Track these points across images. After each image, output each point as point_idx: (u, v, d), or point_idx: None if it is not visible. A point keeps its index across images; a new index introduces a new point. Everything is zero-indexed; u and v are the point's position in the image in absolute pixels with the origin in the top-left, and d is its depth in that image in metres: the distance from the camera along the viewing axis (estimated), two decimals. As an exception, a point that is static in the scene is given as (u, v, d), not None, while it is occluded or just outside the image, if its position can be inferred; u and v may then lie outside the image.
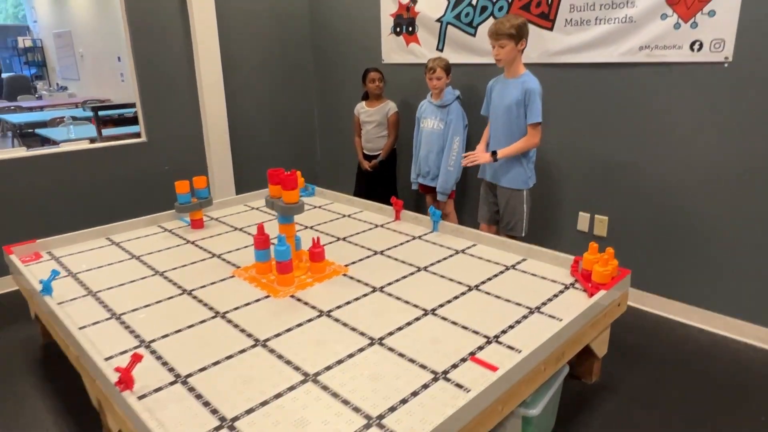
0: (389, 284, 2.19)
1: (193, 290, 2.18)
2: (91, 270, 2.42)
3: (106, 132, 4.42)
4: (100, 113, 4.45)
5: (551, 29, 2.90)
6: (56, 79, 10.90)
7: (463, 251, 2.54)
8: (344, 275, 2.29)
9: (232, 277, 2.31)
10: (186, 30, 3.75)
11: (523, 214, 2.77)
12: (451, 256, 2.49)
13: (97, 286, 2.24)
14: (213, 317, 1.95)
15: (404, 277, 2.26)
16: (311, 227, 2.94)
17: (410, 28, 3.64)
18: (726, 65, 2.39)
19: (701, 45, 2.42)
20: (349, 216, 3.13)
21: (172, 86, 3.78)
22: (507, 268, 2.34)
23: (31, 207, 3.35)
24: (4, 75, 10.27)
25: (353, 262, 2.42)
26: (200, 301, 2.09)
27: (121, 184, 3.67)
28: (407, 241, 2.68)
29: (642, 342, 2.57)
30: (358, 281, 2.23)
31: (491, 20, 3.12)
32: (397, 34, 3.73)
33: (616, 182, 2.87)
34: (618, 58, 2.69)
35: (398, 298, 2.07)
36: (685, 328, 2.71)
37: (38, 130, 5.71)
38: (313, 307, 2.01)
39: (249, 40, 4.12)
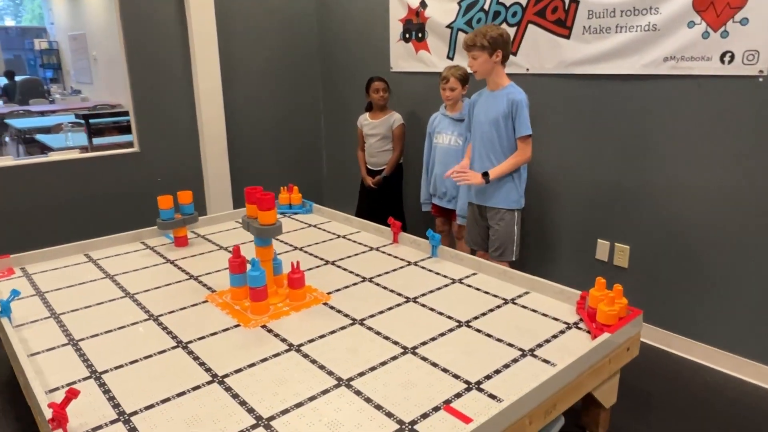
0: (371, 316, 2.13)
1: (160, 316, 2.16)
2: (60, 289, 2.43)
3: (104, 140, 4.51)
4: (92, 121, 4.54)
5: (568, 37, 2.82)
6: (71, 82, 11.29)
7: (460, 281, 2.46)
8: (325, 304, 2.24)
9: (205, 302, 2.28)
10: (183, 36, 3.80)
11: (514, 237, 2.70)
12: (446, 285, 2.41)
13: (63, 307, 2.24)
14: (174, 347, 1.92)
15: (390, 308, 2.19)
16: (301, 248, 2.90)
17: (420, 35, 3.60)
18: (761, 79, 2.27)
19: (733, 56, 2.31)
20: (344, 237, 3.08)
21: (168, 94, 3.83)
22: (506, 302, 2.25)
23: (14, 218, 3.41)
24: (18, 78, 10.66)
25: (338, 290, 2.37)
26: (165, 328, 2.06)
27: (111, 196, 3.72)
28: (401, 267, 2.61)
29: (660, 389, 2.43)
30: (338, 311, 2.17)
31: (505, 26, 3.06)
32: (406, 40, 3.70)
33: (638, 207, 2.76)
34: (640, 70, 2.59)
35: (378, 333, 2.00)
36: (712, 374, 2.55)
37: (39, 136, 5.88)
38: (284, 340, 1.96)
39: (251, 46, 4.16)
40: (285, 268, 2.43)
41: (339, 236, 3.10)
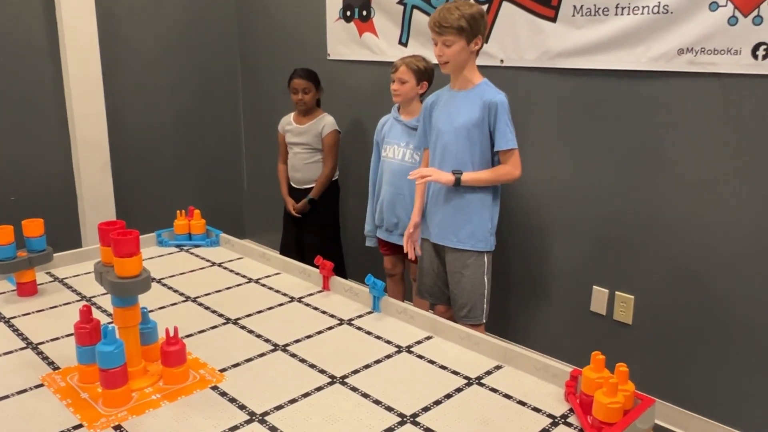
0: (278, 408, 1.82)
1: (-38, 411, 1.80)
2: None
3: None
4: None
5: (554, 20, 2.73)
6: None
7: (408, 348, 2.19)
8: (214, 388, 1.92)
9: (39, 386, 1.93)
10: (48, 4, 3.50)
11: (484, 290, 2.50)
12: (388, 356, 2.13)
13: None
14: (-29, 467, 1.56)
15: (306, 394, 1.89)
16: (195, 299, 2.60)
17: (364, 12, 3.40)
18: (805, 81, 2.16)
19: (768, 49, 2.22)
20: (257, 281, 2.80)
21: (25, 80, 3.56)
22: (469, 383, 1.98)
23: None
24: None
25: (236, 365, 2.06)
26: (-34, 432, 1.70)
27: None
28: (329, 329, 2.33)
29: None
30: (232, 400, 1.86)
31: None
32: (347, 19, 3.49)
33: (646, 245, 2.65)
34: (648, 65, 2.50)
35: (283, 436, 1.69)
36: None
37: None
38: (143, 451, 1.62)
39: (146, 21, 3.93)
40: (163, 333, 2.11)
41: (251, 280, 2.81)
